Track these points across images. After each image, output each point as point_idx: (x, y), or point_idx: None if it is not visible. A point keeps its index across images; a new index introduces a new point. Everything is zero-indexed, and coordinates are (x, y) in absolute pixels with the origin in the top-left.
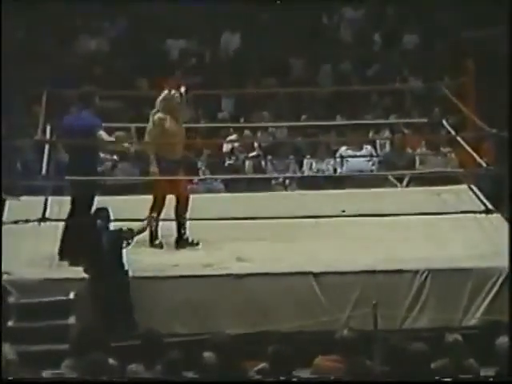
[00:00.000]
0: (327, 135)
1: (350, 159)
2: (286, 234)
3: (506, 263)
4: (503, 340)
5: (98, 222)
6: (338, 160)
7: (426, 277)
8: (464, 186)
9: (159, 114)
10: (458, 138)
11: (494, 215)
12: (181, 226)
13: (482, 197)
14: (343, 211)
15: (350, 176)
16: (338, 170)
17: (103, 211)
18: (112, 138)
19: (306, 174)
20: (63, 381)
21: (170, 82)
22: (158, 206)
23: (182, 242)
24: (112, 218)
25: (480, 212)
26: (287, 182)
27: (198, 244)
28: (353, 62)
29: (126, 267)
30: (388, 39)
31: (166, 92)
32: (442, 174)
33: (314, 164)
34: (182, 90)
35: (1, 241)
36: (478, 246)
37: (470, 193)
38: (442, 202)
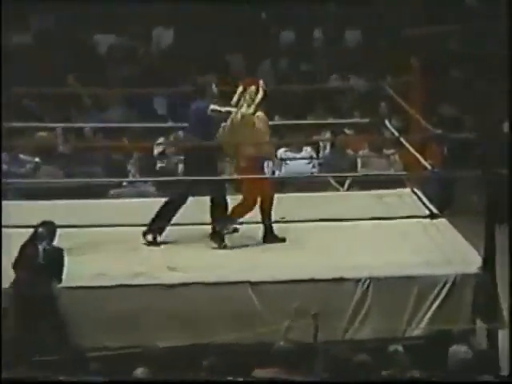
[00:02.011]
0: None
1: (289, 162)
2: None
3: (452, 270)
4: (457, 349)
5: (39, 234)
6: (277, 162)
7: (369, 285)
8: (407, 190)
9: (249, 110)
10: (402, 140)
11: (440, 220)
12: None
13: (425, 201)
14: (282, 218)
15: (290, 179)
16: (277, 173)
17: (47, 225)
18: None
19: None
20: (63, 381)
21: (249, 79)
22: (248, 207)
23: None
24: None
25: (425, 217)
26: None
27: (284, 240)
28: (293, 59)
29: (62, 281)
30: (329, 36)
31: (252, 88)
32: (385, 177)
33: None
34: (261, 86)
35: (0, 243)
36: (422, 253)
37: (414, 196)
38: (385, 206)
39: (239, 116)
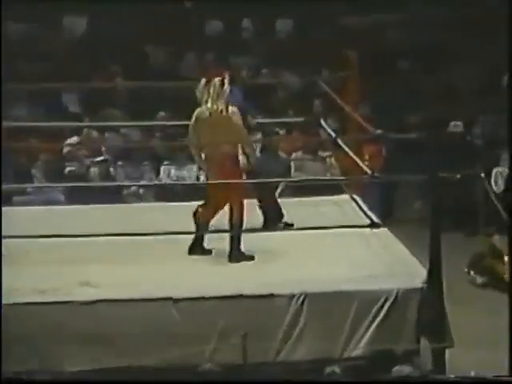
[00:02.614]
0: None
1: None
2: (139, 253)
3: (394, 284)
4: (400, 370)
5: None
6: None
7: (303, 301)
8: (346, 196)
9: (220, 106)
10: (339, 141)
11: (381, 229)
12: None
13: (365, 208)
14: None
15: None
16: (202, 178)
17: None
18: None
19: (164, 182)
20: (63, 381)
21: (213, 71)
22: (239, 212)
23: (238, 254)
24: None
25: (365, 226)
26: (142, 191)
27: (253, 258)
28: (220, 51)
29: None
30: (259, 26)
31: (216, 81)
32: (321, 183)
33: (173, 171)
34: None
35: (1, 245)
36: (362, 265)
37: (353, 204)
38: (321, 214)
39: (207, 113)
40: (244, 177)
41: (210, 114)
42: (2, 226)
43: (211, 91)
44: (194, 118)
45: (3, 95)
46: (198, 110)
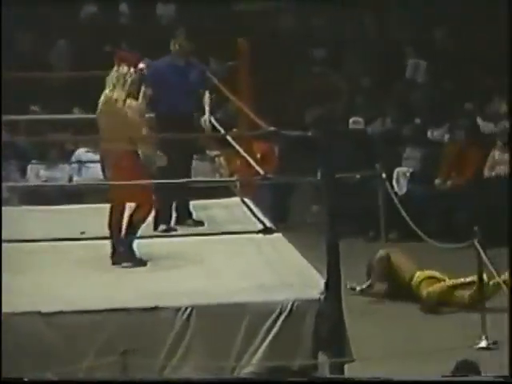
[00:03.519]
0: (61, 133)
1: (90, 164)
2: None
3: (289, 295)
4: None
5: None
6: (75, 166)
7: (190, 315)
8: (236, 199)
9: (121, 95)
10: (229, 138)
11: (275, 235)
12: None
13: (258, 213)
14: (83, 233)
15: (92, 186)
16: (75, 178)
17: None
18: None
19: (31, 183)
20: (63, 381)
21: (123, 54)
22: (145, 212)
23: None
24: None
25: (257, 232)
26: (6, 194)
27: (145, 263)
28: (95, 38)
29: None
30: (138, 10)
31: (123, 68)
32: (209, 184)
33: (42, 171)
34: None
35: (1, 247)
36: (254, 275)
37: (244, 208)
38: (210, 219)
39: (104, 99)
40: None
41: (106, 102)
42: (1, 226)
43: (113, 78)
44: (99, 106)
45: None
46: (101, 97)
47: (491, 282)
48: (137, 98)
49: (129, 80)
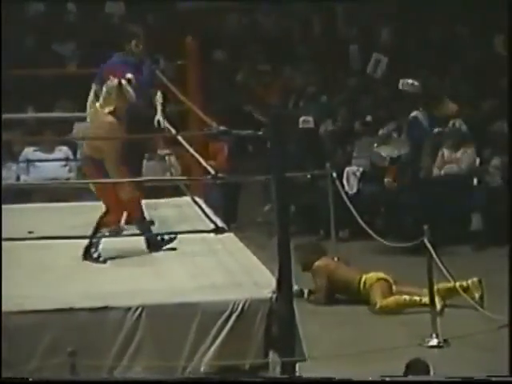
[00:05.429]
0: (9, 132)
1: (39, 164)
2: None
3: (241, 294)
4: None
5: None
6: (23, 165)
7: (140, 314)
8: (187, 199)
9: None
10: (179, 138)
11: (226, 234)
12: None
13: (209, 212)
14: (30, 232)
15: (40, 185)
16: (23, 178)
17: None
18: None
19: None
20: (64, 381)
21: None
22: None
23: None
24: None
25: (208, 231)
26: None
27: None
28: (43, 37)
29: None
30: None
31: (113, 81)
32: (160, 183)
33: None
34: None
35: (1, 248)
36: (205, 274)
37: (195, 207)
38: (161, 218)
39: (92, 110)
40: None
41: (95, 113)
42: (1, 226)
43: (104, 90)
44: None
45: None
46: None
47: (449, 285)
48: (122, 109)
49: (114, 96)
